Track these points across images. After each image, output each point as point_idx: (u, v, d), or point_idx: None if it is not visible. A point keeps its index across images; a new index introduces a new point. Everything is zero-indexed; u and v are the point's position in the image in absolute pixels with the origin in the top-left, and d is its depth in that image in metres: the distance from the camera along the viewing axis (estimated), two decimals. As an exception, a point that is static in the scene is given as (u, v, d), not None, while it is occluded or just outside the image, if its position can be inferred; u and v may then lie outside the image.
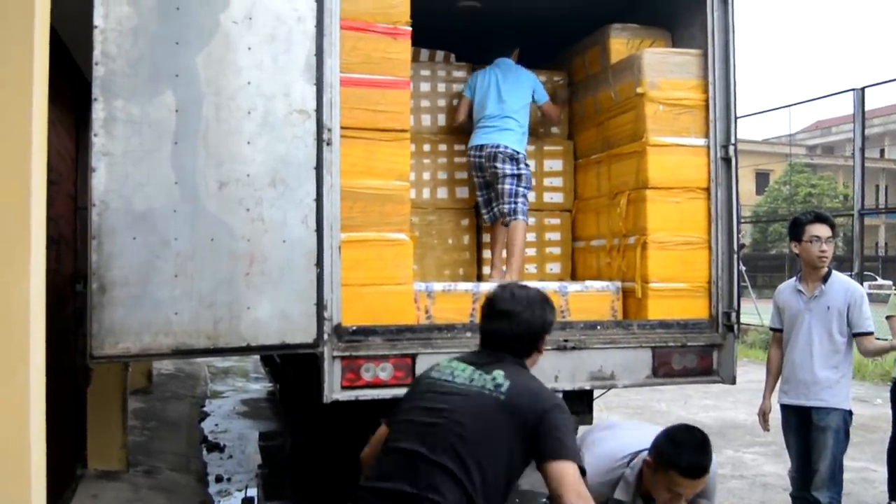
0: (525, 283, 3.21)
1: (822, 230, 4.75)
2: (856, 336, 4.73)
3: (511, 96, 6.03)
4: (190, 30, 4.03)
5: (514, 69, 6.19)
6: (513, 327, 2.91)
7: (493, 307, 2.98)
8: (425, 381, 2.97)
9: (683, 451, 3.27)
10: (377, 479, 2.77)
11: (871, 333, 4.75)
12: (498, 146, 5.92)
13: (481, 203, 6.22)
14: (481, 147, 5.99)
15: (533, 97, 6.17)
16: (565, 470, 2.59)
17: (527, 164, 6.03)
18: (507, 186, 5.91)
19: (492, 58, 6.26)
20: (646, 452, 3.48)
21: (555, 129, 6.67)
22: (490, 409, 2.71)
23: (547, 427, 2.67)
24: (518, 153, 5.95)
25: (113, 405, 6.26)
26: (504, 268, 5.96)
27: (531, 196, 6.17)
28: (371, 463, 2.92)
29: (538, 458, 2.66)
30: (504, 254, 6.05)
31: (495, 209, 6.10)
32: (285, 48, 4.22)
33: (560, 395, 3.00)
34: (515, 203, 5.90)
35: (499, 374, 2.79)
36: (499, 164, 5.90)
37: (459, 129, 6.33)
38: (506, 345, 2.91)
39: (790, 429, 4.87)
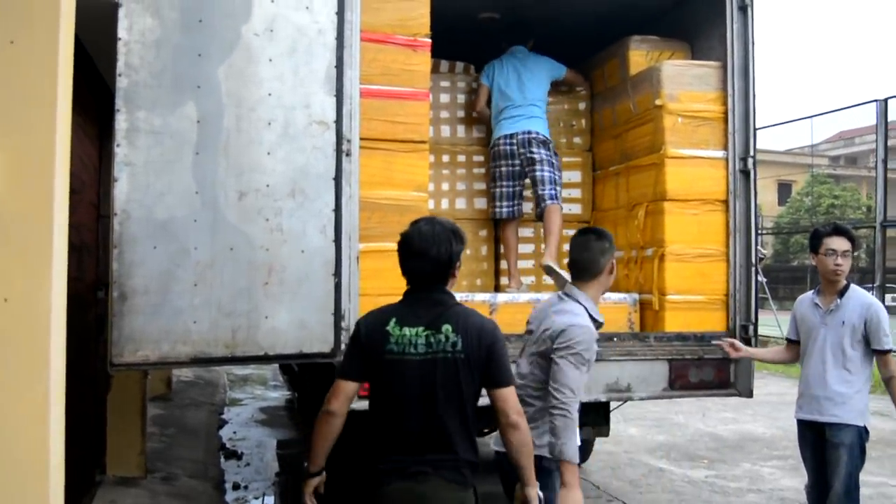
0: (430, 217, 3.45)
1: (838, 243, 4.68)
2: (875, 353, 4.60)
3: (532, 84, 6.06)
4: (212, 42, 4.08)
5: (531, 56, 6.22)
6: (424, 266, 3.22)
7: (407, 248, 3.27)
8: (388, 358, 3.18)
9: (597, 232, 3.90)
10: (400, 452, 3.17)
11: (888, 352, 4.60)
12: (530, 132, 5.95)
13: (503, 195, 6.13)
14: (512, 135, 6.00)
15: (554, 78, 6.24)
16: (507, 393, 3.16)
17: (556, 153, 6.09)
18: (544, 173, 5.91)
19: (506, 46, 6.28)
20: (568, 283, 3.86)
21: (577, 140, 6.66)
22: (459, 369, 3.14)
23: (493, 361, 3.16)
24: (549, 139, 6.01)
25: (132, 412, 6.31)
26: (518, 273, 5.99)
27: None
28: (339, 425, 3.33)
29: (487, 385, 3.18)
30: (516, 263, 6.09)
31: (516, 205, 6.12)
32: (306, 60, 4.25)
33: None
34: (555, 189, 5.92)
35: (447, 328, 3.15)
36: (534, 149, 5.93)
37: (479, 117, 6.34)
38: (425, 279, 3.25)
39: (805, 443, 4.82)
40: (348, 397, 3.28)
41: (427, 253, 3.20)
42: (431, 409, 3.13)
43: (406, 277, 3.31)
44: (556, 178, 5.96)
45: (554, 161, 5.99)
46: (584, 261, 3.80)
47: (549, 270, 5.55)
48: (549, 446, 3.53)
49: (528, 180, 6.07)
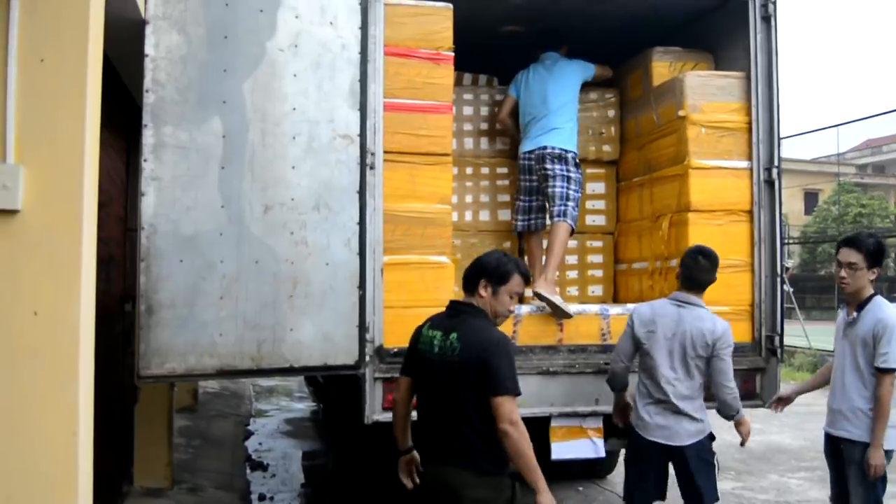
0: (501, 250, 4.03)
1: (844, 254, 4.52)
2: (875, 370, 4.37)
3: (556, 93, 5.91)
4: (237, 57, 4.13)
5: (560, 63, 6.06)
6: (469, 272, 3.75)
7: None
8: (418, 355, 3.71)
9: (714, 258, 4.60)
10: (429, 438, 3.64)
11: (888, 371, 4.33)
12: (545, 147, 5.81)
13: (520, 209, 6.06)
14: (531, 151, 5.90)
15: (585, 79, 6.07)
16: (500, 402, 3.41)
17: (577, 165, 5.88)
18: (557, 189, 5.77)
19: (538, 53, 6.16)
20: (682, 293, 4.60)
21: (607, 147, 6.54)
22: (456, 370, 3.50)
23: (489, 371, 3.44)
24: (567, 152, 5.82)
25: (159, 423, 6.36)
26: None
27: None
28: (403, 413, 3.86)
29: (484, 393, 3.44)
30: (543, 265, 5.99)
31: (533, 220, 6.02)
32: (330, 75, 4.30)
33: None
34: (565, 206, 5.74)
35: (454, 336, 3.55)
36: (547, 165, 5.78)
37: (502, 127, 6.28)
38: (466, 282, 3.75)
39: (828, 455, 4.71)
40: (405, 388, 3.80)
41: (472, 265, 3.76)
42: (441, 403, 3.57)
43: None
44: (570, 193, 5.79)
45: (571, 175, 5.81)
46: (704, 279, 4.54)
47: (541, 297, 5.38)
48: (730, 418, 4.52)
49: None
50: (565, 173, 5.79)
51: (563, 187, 5.78)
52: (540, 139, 5.88)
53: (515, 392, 3.47)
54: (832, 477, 4.73)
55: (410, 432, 3.88)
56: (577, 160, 5.93)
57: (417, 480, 3.78)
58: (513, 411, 3.42)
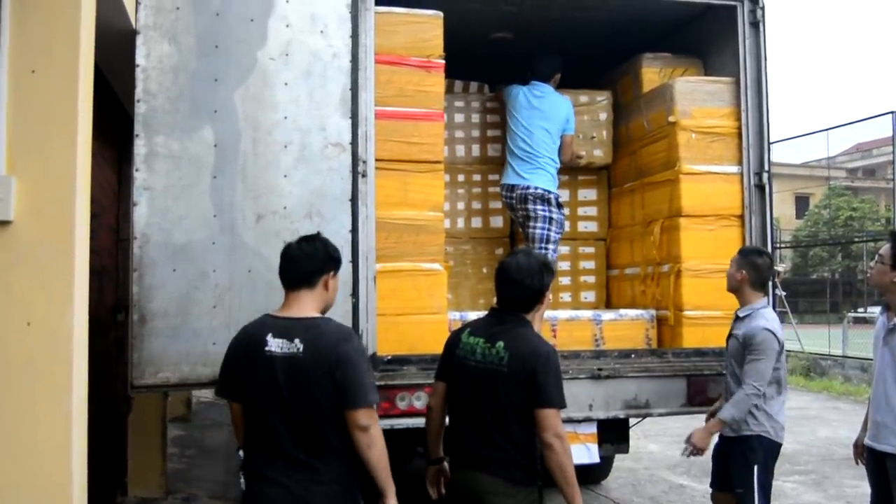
0: (527, 250, 3.96)
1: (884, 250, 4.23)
2: None
3: (543, 130, 5.81)
4: (228, 67, 4.14)
5: (549, 97, 5.93)
6: (518, 293, 3.57)
7: (503, 276, 3.61)
8: (455, 360, 3.61)
9: None
10: (463, 443, 3.54)
11: None
12: (528, 187, 5.73)
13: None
14: (512, 188, 5.82)
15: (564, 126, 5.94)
16: (545, 414, 3.36)
17: (560, 206, 5.81)
18: (537, 231, 5.72)
19: (528, 77, 6.02)
20: None
21: (598, 152, 6.40)
22: (501, 383, 3.43)
23: (536, 383, 3.38)
24: (550, 193, 5.74)
25: (153, 433, 6.35)
26: None
27: (566, 226, 6.14)
28: (438, 419, 3.75)
29: (529, 405, 3.39)
30: None
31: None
32: (321, 83, 4.30)
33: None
34: (545, 248, 5.69)
35: (500, 345, 3.46)
36: (530, 206, 5.72)
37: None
38: (514, 304, 3.59)
39: (868, 470, 4.33)
40: (440, 395, 3.71)
41: (522, 282, 3.55)
42: (478, 411, 3.48)
43: (499, 302, 3.69)
44: (551, 235, 5.74)
45: (554, 216, 5.74)
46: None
47: None
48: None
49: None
50: (548, 214, 5.73)
51: (544, 229, 5.72)
52: (523, 177, 5.79)
53: (561, 405, 3.44)
54: (873, 496, 4.34)
55: (443, 442, 3.80)
56: (560, 201, 5.86)
57: (444, 491, 3.73)
58: (558, 425, 3.40)
